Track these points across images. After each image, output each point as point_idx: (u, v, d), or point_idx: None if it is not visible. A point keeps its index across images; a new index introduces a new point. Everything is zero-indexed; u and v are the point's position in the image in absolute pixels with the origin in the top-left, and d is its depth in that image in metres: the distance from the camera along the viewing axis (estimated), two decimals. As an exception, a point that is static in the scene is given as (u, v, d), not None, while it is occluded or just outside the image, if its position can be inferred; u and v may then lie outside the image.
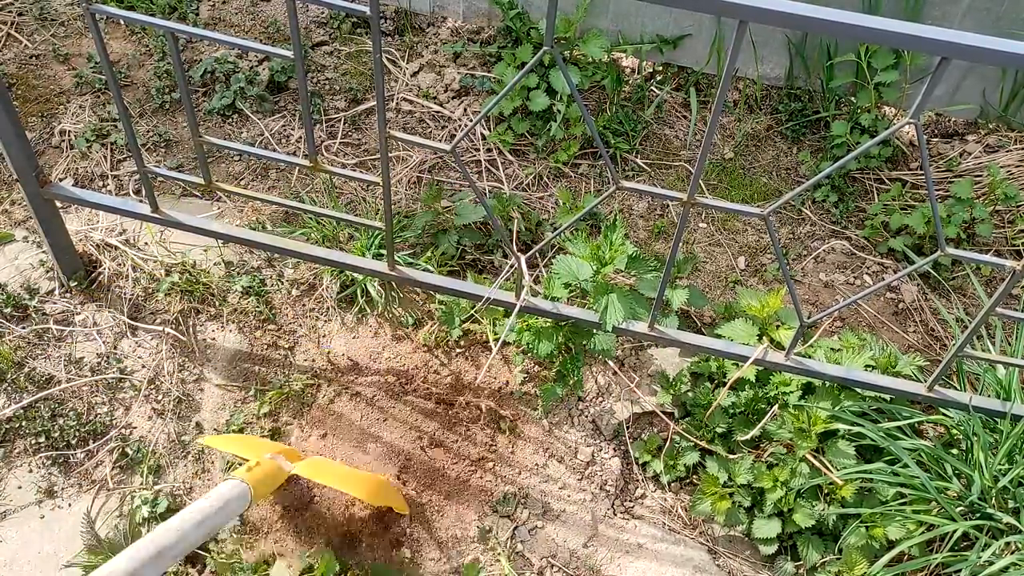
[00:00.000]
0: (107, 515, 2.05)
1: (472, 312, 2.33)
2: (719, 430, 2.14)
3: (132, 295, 2.37)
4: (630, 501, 2.17)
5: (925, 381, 2.00)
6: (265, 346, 2.32)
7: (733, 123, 2.98)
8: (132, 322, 2.33)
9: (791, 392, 2.12)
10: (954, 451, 2.04)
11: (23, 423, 2.14)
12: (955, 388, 2.17)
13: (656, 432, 2.24)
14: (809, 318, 1.88)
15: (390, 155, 2.74)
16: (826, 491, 2.04)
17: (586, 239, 2.10)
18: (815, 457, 2.03)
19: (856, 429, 2.01)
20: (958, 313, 2.52)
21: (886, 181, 2.84)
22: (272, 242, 2.15)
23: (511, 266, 1.96)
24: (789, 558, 2.05)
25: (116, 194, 2.60)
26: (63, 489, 2.08)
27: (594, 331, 2.09)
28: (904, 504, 1.95)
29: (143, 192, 2.14)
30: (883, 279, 2.61)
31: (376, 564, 1.97)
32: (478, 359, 2.32)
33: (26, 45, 2.97)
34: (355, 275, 2.39)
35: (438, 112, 2.91)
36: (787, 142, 2.94)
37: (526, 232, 2.57)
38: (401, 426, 2.20)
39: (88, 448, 2.13)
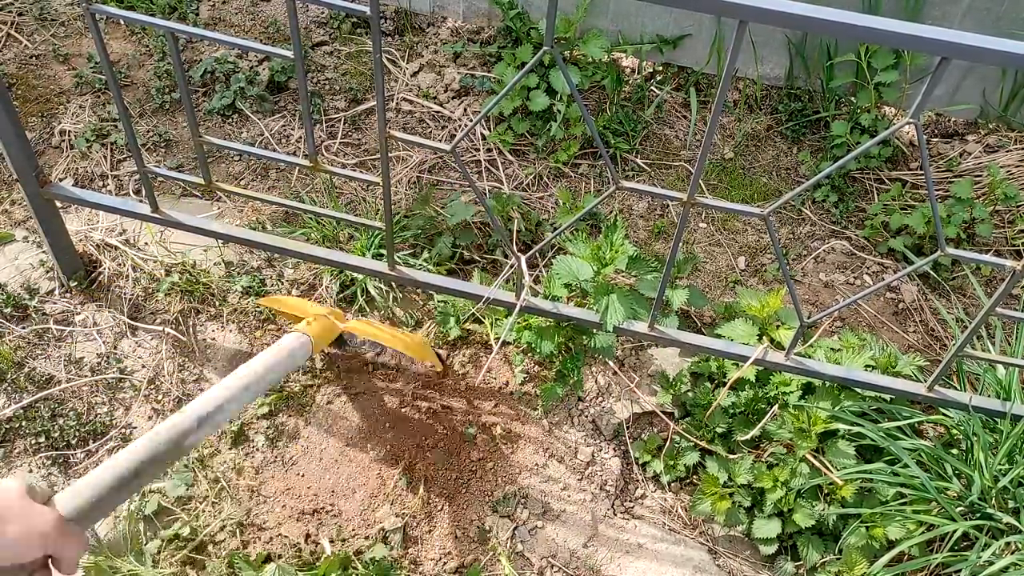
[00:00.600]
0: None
1: (473, 311, 2.33)
2: (719, 430, 2.14)
3: (132, 295, 2.37)
4: (630, 501, 2.17)
5: (925, 381, 2.00)
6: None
7: (733, 123, 2.98)
8: (132, 322, 2.33)
9: (791, 392, 2.12)
10: (954, 451, 2.04)
11: (23, 423, 2.14)
12: (955, 388, 2.17)
13: (656, 432, 2.24)
14: (809, 318, 1.88)
15: (390, 155, 2.75)
16: (826, 491, 2.04)
17: (586, 239, 2.10)
18: (815, 457, 2.03)
19: (856, 429, 2.01)
20: (958, 313, 2.52)
21: (886, 181, 2.84)
22: (272, 242, 2.15)
23: (511, 266, 1.96)
24: (789, 558, 2.05)
25: (116, 194, 2.60)
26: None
27: (594, 331, 2.09)
28: (904, 504, 1.95)
29: (143, 192, 2.14)
30: (883, 279, 2.61)
31: (383, 563, 1.97)
32: (479, 359, 2.32)
33: (26, 45, 2.97)
34: (355, 275, 2.39)
35: (438, 112, 2.91)
36: (787, 142, 2.94)
37: (526, 232, 2.57)
38: (401, 426, 2.20)
39: (88, 448, 2.13)
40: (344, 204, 2.64)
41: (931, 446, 1.99)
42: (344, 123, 2.86)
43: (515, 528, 2.09)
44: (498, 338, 2.29)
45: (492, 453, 2.19)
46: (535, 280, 2.45)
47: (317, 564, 1.96)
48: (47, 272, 2.40)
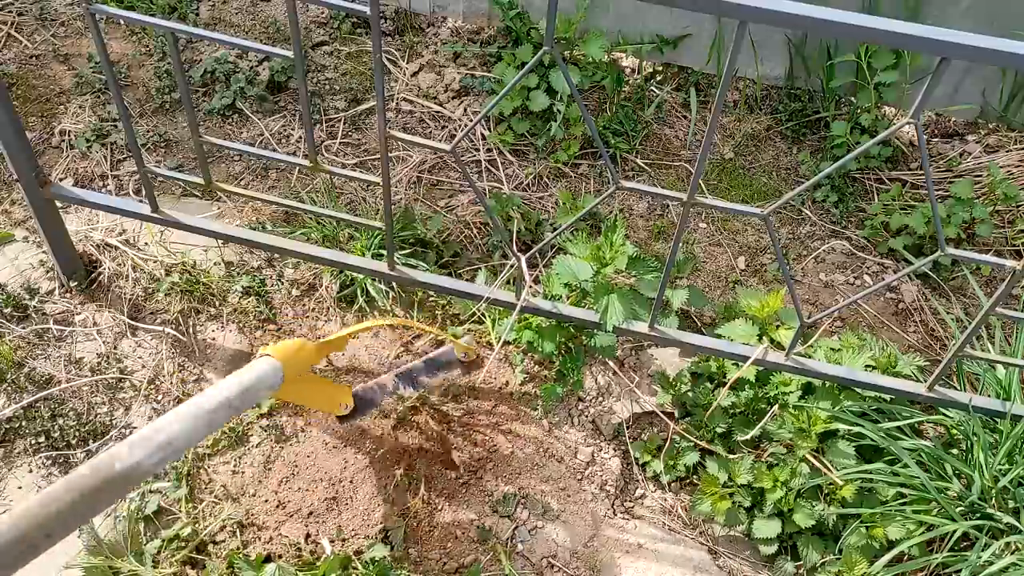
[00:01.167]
0: (106, 515, 2.05)
1: (474, 310, 2.33)
2: (719, 430, 2.14)
3: (132, 295, 2.37)
4: (630, 501, 2.17)
5: (925, 381, 2.00)
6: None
7: (733, 123, 2.98)
8: (132, 322, 2.33)
9: (791, 392, 2.12)
10: (954, 451, 2.04)
11: (23, 423, 2.14)
12: (955, 388, 2.17)
13: (656, 432, 2.24)
14: (809, 318, 1.88)
15: (390, 155, 2.75)
16: (826, 491, 2.04)
17: (586, 239, 2.10)
18: (815, 457, 2.03)
19: (856, 429, 2.01)
20: (958, 313, 2.52)
21: (886, 181, 2.84)
22: (272, 242, 2.15)
23: (511, 266, 1.96)
24: (789, 558, 2.04)
25: (116, 194, 2.60)
26: None
27: (595, 331, 2.09)
28: (904, 504, 1.95)
29: (143, 192, 2.14)
30: (883, 279, 2.61)
31: (383, 563, 1.97)
32: (479, 359, 2.32)
33: (26, 45, 2.97)
34: (355, 275, 2.39)
35: (438, 112, 2.91)
36: (787, 142, 2.94)
37: (526, 232, 2.57)
38: (402, 426, 2.20)
39: (88, 448, 2.13)
40: (344, 204, 2.64)
41: (931, 446, 1.99)
42: (344, 123, 2.86)
43: (515, 528, 2.09)
44: (498, 338, 2.29)
45: (492, 453, 2.19)
46: (535, 280, 2.45)
47: (317, 564, 1.96)
48: (47, 272, 2.40)
